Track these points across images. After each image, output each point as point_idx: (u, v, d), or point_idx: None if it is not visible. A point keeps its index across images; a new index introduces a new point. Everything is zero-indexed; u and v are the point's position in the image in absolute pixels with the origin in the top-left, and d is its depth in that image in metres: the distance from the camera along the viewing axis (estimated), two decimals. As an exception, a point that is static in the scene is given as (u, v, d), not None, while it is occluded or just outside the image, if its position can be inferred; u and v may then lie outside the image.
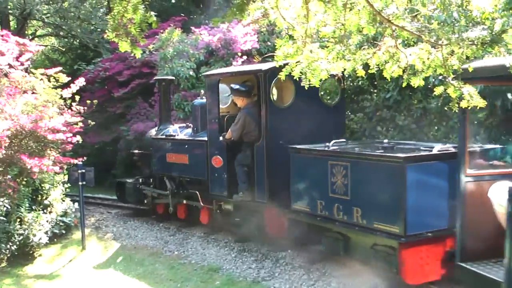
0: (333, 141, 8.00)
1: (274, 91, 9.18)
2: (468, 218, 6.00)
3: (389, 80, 4.35)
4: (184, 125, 11.37)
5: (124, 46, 4.17)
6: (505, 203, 5.07)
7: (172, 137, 10.96)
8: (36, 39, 24.76)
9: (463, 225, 6.02)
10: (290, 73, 4.69)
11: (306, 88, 4.75)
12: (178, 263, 9.24)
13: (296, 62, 4.46)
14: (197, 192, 10.33)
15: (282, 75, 4.74)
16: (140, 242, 10.60)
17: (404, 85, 4.45)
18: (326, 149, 7.86)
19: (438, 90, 4.16)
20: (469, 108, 4.38)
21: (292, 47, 4.31)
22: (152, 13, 3.99)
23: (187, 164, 10.56)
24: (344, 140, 8.57)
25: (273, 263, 8.62)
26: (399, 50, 4.18)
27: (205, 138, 10.01)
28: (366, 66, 4.55)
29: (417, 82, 4.30)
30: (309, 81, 4.56)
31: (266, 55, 11.88)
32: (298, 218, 8.31)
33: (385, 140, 8.18)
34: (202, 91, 11.21)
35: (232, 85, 9.52)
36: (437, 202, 6.69)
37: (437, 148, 6.92)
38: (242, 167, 9.31)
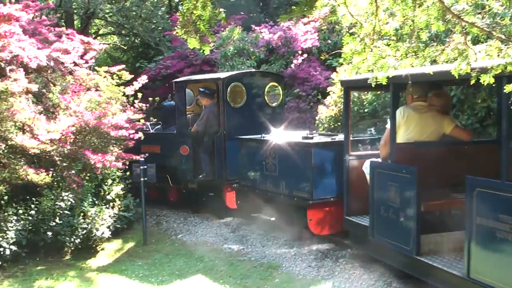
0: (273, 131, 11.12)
1: (230, 94, 11.49)
2: (350, 185, 8.39)
3: (457, 77, 4.23)
4: (154, 122, 13.17)
5: (193, 42, 4.23)
6: (367, 171, 7.87)
7: (146, 132, 12.10)
8: (98, 37, 25.28)
9: (348, 190, 8.42)
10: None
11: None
12: (238, 260, 9.28)
13: (363, 60, 4.42)
14: (167, 176, 12.56)
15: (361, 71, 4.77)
16: (200, 238, 10.69)
17: (472, 82, 4.33)
18: (261, 138, 10.45)
19: (509, 88, 4.05)
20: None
21: (359, 44, 4.28)
22: (221, 9, 4.02)
23: (159, 153, 12.68)
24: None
25: (333, 262, 8.57)
26: (469, 47, 4.08)
27: (174, 132, 12.34)
28: (433, 63, 4.49)
29: (487, 79, 4.18)
30: (376, 78, 4.51)
31: (332, 52, 12.10)
32: (244, 190, 10.99)
33: (314, 131, 10.99)
34: (170, 95, 13.74)
35: (200, 88, 12.12)
36: (334, 176, 9.16)
37: (338, 137, 9.54)
38: (205, 154, 11.82)
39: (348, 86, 8.58)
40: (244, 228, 10.94)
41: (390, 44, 4.56)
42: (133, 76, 11.13)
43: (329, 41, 14.93)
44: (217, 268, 8.98)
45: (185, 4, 3.83)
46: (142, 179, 10.23)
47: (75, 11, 22.99)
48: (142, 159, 10.29)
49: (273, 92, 12.40)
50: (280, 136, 10.40)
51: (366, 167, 8.03)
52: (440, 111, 7.68)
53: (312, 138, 9.61)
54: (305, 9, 3.89)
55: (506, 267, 5.30)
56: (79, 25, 23.85)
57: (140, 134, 10.11)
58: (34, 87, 9.29)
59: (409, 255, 6.80)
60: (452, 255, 6.53)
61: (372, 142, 9.44)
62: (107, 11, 23.26)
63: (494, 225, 5.42)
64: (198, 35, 4.13)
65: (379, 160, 7.80)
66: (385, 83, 4.64)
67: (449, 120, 7.70)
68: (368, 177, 7.88)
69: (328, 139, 9.66)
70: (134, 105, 10.45)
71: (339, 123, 11.16)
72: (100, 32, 27.89)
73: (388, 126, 7.42)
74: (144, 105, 10.59)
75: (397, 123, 7.28)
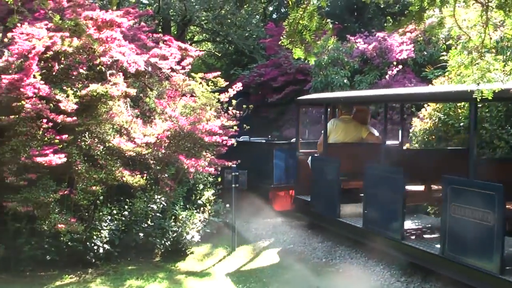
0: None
1: None
2: (299, 173, 11.77)
3: None
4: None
5: (298, 53, 4.21)
6: (310, 163, 11.09)
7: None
8: (193, 44, 25.72)
9: (297, 177, 11.90)
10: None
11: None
12: (326, 271, 9.19)
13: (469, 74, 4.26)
14: None
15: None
16: (288, 247, 10.63)
17: None
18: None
19: None
20: None
21: (466, 58, 4.12)
22: (329, 20, 3.97)
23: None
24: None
25: (422, 278, 8.33)
26: None
27: None
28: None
29: None
30: (481, 93, 4.34)
31: (437, 66, 11.89)
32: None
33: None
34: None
35: None
36: (288, 168, 12.70)
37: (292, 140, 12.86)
38: None
39: (299, 104, 12.49)
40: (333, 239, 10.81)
41: (497, 58, 4.38)
42: (228, 83, 11.21)
43: (425, 53, 14.56)
44: (307, 278, 8.92)
45: (291, 14, 3.80)
46: (233, 185, 10.29)
47: (172, 18, 23.51)
48: (234, 165, 10.34)
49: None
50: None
51: (309, 160, 11.16)
52: (359, 122, 11.08)
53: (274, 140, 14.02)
54: (414, 19, 3.79)
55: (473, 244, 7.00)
56: (175, 32, 24.36)
57: (233, 141, 10.15)
58: (133, 91, 9.52)
59: (334, 218, 10.10)
60: (359, 217, 9.62)
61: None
62: (203, 18, 23.64)
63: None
64: (303, 45, 4.08)
65: (317, 155, 11.16)
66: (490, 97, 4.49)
67: (365, 128, 11.01)
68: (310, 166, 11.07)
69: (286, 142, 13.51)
70: (228, 111, 10.51)
71: (433, 136, 10.87)
72: (195, 38, 28.39)
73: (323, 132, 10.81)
74: (238, 112, 10.64)
75: (328, 130, 10.77)
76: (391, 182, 8.60)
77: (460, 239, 7.20)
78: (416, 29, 13.47)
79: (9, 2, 7.97)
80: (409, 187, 8.77)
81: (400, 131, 11.02)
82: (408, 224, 9.35)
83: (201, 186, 11.05)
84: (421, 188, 9.32)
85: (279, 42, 4.70)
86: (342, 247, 10.15)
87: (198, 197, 10.92)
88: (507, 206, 6.80)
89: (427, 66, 13.87)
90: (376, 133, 11.19)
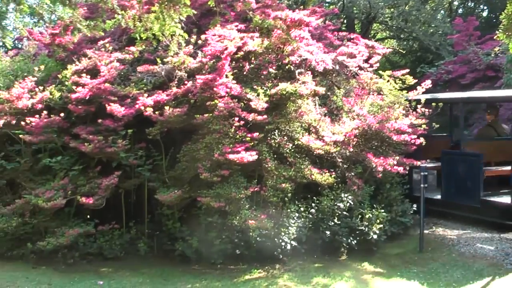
0: None
1: None
2: None
3: None
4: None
5: (512, 46, 3.97)
6: None
7: None
8: (376, 42, 25.38)
9: None
10: None
11: None
12: (520, 279, 8.64)
13: None
14: None
15: None
16: (479, 251, 10.11)
17: None
18: None
19: None
20: None
21: None
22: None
23: None
24: None
25: None
26: None
27: None
28: None
29: None
30: None
31: None
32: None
33: None
34: None
35: None
36: None
37: None
38: None
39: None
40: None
41: None
42: (416, 81, 10.92)
43: None
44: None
45: (508, 5, 3.59)
46: (422, 185, 10.00)
47: (356, 16, 23.43)
48: (423, 165, 10.04)
49: None
50: None
51: None
52: None
53: None
54: None
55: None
56: (359, 30, 24.24)
57: (422, 140, 9.85)
58: (321, 90, 9.60)
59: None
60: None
61: None
62: (387, 15, 23.31)
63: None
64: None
65: None
66: None
67: None
68: None
69: None
70: (417, 110, 10.22)
71: None
72: (377, 36, 28.04)
73: None
74: (426, 110, 10.31)
75: None
76: None
77: None
78: None
79: (211, 5, 8.37)
80: None
81: None
82: None
83: (388, 186, 10.85)
84: None
85: (495, 37, 4.47)
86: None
87: (384, 196, 10.73)
88: None
89: None
90: None
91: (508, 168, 10.99)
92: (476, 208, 11.27)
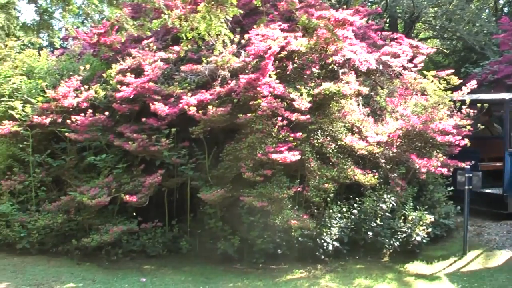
0: None
1: None
2: None
3: None
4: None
5: None
6: None
7: None
8: (420, 42, 25.08)
9: None
10: None
11: None
12: None
13: None
14: None
15: None
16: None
17: None
18: None
19: None
20: None
21: None
22: None
23: None
24: None
25: None
26: None
27: None
28: None
29: None
30: None
31: None
32: None
33: None
34: None
35: None
36: None
37: None
38: None
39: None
40: None
41: None
42: (461, 81, 10.75)
43: None
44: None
45: None
46: (466, 187, 9.85)
47: (399, 16, 23.17)
48: (468, 166, 9.88)
49: None
50: None
51: None
52: None
53: None
54: None
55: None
56: (402, 30, 23.96)
57: (466, 141, 9.68)
58: (365, 90, 9.53)
59: None
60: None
61: None
62: (431, 14, 22.99)
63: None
64: None
65: None
66: None
67: None
68: None
69: None
70: (462, 110, 10.07)
71: None
72: (420, 36, 27.67)
73: None
74: (471, 111, 10.15)
75: None
76: None
77: None
78: None
79: (257, 4, 8.39)
80: None
81: None
82: None
83: (431, 187, 10.73)
84: None
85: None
86: None
87: (428, 198, 10.61)
88: None
89: None
90: None
91: None
92: None
